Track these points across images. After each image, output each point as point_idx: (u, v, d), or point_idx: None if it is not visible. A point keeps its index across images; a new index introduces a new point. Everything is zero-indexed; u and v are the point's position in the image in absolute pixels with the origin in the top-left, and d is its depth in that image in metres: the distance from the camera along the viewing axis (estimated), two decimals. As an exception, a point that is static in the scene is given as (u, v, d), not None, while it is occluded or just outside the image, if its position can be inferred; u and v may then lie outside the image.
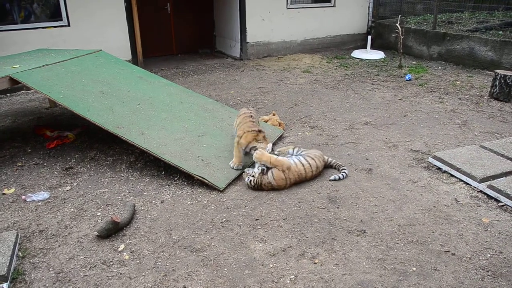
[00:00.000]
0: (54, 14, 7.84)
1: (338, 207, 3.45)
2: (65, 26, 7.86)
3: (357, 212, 3.38)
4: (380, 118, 5.59)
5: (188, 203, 3.57)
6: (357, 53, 9.82)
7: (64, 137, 4.95)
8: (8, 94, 7.32)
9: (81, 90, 4.49)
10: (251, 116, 4.26)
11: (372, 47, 9.99)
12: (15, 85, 4.49)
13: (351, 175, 4.01)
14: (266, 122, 5.13)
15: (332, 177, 3.95)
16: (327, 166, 4.14)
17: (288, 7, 9.87)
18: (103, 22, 8.09)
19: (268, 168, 3.76)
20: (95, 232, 3.14)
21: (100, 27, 8.09)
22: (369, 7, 10.83)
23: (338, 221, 3.26)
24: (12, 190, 3.86)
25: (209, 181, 3.75)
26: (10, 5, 7.50)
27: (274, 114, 5.31)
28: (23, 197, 3.70)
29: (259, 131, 4.07)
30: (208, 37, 11.00)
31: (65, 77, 4.65)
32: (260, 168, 3.77)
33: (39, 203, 3.62)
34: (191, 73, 8.51)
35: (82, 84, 4.63)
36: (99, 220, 3.34)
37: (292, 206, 3.48)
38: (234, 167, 4.01)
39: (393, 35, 9.36)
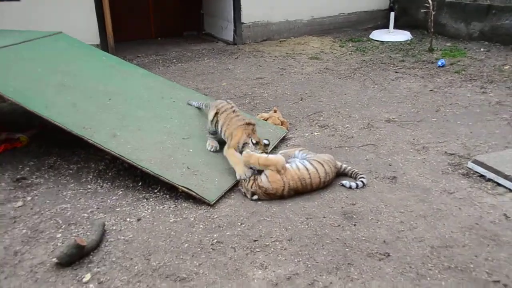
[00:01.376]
0: (-1, -15, 7.78)
1: (355, 225, 3.44)
2: (14, 0, 7.80)
3: (379, 230, 3.37)
4: (406, 114, 5.60)
5: (171, 221, 3.56)
6: (377, 34, 9.84)
7: (15, 140, 4.92)
8: None
9: (36, 82, 4.47)
10: (234, 110, 4.37)
11: (396, 27, 9.99)
12: None
13: (370, 184, 4.01)
14: (266, 120, 5.13)
15: (345, 182, 3.96)
16: (341, 174, 4.14)
17: (291, -22, 9.89)
18: (63, -4, 8.07)
19: (260, 171, 3.86)
20: (54, 259, 3.10)
21: (59, 2, 8.05)
22: (392, -23, 10.87)
23: (356, 241, 3.25)
24: None
25: (196, 194, 3.74)
26: None
27: (275, 111, 5.31)
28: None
29: (248, 123, 4.17)
30: (194, 16, 11.00)
31: (15, 66, 4.63)
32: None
33: (-18, 224, 3.59)
34: (174, 61, 8.51)
35: (38, 75, 4.61)
36: (59, 244, 3.30)
37: (298, 224, 3.47)
38: (244, 177, 3.89)
39: (422, 10, 9.36)
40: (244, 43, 9.66)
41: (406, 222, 3.46)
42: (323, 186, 3.93)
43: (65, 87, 4.55)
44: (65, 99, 4.37)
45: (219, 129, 4.36)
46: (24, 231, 3.47)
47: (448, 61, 7.71)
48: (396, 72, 7.36)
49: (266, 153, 4.06)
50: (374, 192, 3.90)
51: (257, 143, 4.04)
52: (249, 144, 4.03)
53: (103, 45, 8.35)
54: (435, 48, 8.56)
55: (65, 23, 7.83)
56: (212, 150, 4.35)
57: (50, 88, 4.46)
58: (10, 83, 4.29)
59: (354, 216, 3.55)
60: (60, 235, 3.42)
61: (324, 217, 3.55)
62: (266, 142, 4.13)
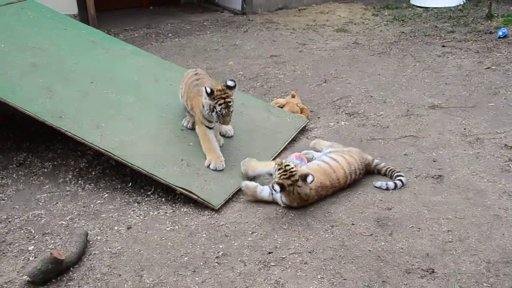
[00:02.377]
0: None
1: (391, 234, 3.45)
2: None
3: (421, 241, 3.37)
4: (455, 98, 5.57)
5: (168, 229, 3.60)
6: None
7: (-25, 133, 5.00)
8: None
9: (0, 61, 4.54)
10: (197, 78, 4.42)
11: (444, -11, 9.93)
12: None
13: (410, 185, 4.01)
14: (282, 107, 5.14)
15: (379, 184, 3.98)
16: (373, 171, 4.16)
17: None
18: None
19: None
20: (25, 277, 3.15)
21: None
22: None
23: (392, 255, 3.26)
24: None
25: (198, 196, 3.78)
26: None
27: (293, 96, 5.32)
28: None
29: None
30: (193, -21, 11.04)
31: (-28, 41, 4.72)
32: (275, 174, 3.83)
33: None
34: (170, 35, 8.54)
35: (2, 52, 4.68)
36: (31, 258, 3.36)
37: (321, 232, 3.49)
38: (217, 168, 4.09)
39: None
40: (255, 13, 9.65)
41: (455, 231, 3.46)
42: (351, 181, 3.97)
43: (36, 67, 4.60)
44: (37, 82, 4.43)
45: (184, 102, 4.47)
46: (-12, 242, 3.55)
47: (511, 31, 7.62)
48: (443, 46, 7.32)
49: (228, 101, 4.01)
50: (415, 194, 3.90)
51: (211, 92, 3.97)
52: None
53: (83, 15, 8.40)
54: (495, 14, 8.45)
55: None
56: (188, 126, 4.47)
57: (17, 68, 4.51)
58: (-33, 62, 4.39)
59: (390, 224, 3.56)
60: (32, 247, 3.47)
61: (353, 224, 3.57)
62: (230, 83, 4.11)
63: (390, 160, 4.36)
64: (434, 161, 4.34)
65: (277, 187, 3.58)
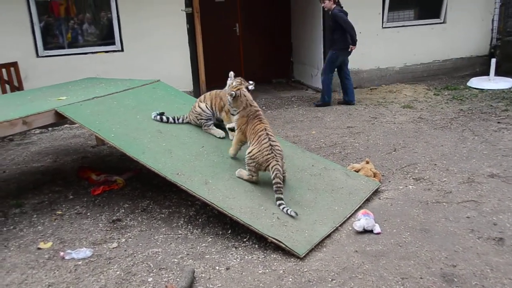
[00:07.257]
0: (105, 37, 8.59)
1: (456, 289, 3.25)
2: (118, 51, 8.54)
3: (485, 297, 3.16)
4: (512, 169, 5.30)
5: (260, 271, 3.56)
6: (476, 82, 9.51)
7: (112, 182, 5.24)
8: (49, 129, 8.00)
9: (135, 128, 4.78)
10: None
11: (498, 73, 9.61)
12: (60, 120, 4.87)
13: (473, 245, 3.78)
14: (357, 171, 5.07)
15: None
16: None
17: (384, 26, 9.92)
18: (161, 46, 8.67)
19: None
20: (145, 303, 3.22)
21: (158, 52, 8.66)
22: (493, 20, 10.56)
23: (458, 308, 3.07)
24: (49, 244, 4.11)
25: (286, 245, 3.73)
26: (56, 26, 8.31)
27: (367, 162, 5.25)
28: (61, 253, 3.91)
29: None
30: (284, 64, 11.30)
31: (117, 112, 5.00)
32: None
33: (80, 262, 3.80)
34: (264, 108, 8.74)
35: (137, 121, 4.94)
36: (150, 288, 3.42)
37: (393, 284, 3.33)
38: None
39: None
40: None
41: (517, 290, 3.22)
42: None
43: (161, 134, 4.81)
44: (161, 145, 4.62)
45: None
46: (118, 272, 3.64)
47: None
48: (498, 122, 7.03)
49: None
50: (477, 253, 3.66)
51: None
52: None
53: (196, 92, 8.78)
54: (543, 97, 8.11)
55: (162, 71, 8.39)
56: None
57: (147, 134, 4.74)
58: (112, 128, 4.64)
59: (455, 280, 3.35)
60: (151, 279, 3.54)
61: (421, 278, 3.39)
62: None
63: (453, 221, 4.16)
64: (495, 225, 4.09)
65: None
